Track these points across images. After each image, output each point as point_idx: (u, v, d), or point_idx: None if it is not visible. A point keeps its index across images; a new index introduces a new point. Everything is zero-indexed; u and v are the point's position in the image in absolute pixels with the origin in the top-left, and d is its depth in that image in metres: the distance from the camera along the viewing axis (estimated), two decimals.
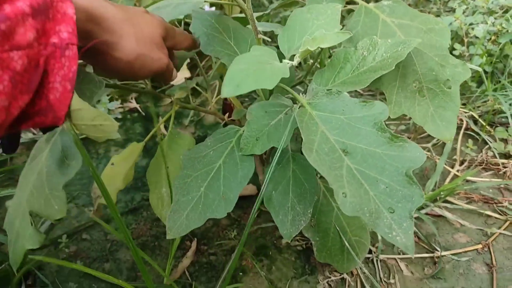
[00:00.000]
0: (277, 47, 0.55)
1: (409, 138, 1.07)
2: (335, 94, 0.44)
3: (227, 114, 0.83)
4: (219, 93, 0.88)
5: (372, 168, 0.34)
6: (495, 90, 1.10)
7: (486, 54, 1.13)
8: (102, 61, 0.40)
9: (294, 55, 0.51)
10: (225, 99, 0.94)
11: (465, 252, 0.74)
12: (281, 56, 0.51)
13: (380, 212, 0.31)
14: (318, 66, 1.37)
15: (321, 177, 0.89)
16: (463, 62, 0.51)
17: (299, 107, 0.46)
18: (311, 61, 0.82)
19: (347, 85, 0.49)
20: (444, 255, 0.73)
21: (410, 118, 1.12)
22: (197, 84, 0.85)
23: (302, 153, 0.54)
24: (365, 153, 0.35)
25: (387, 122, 1.03)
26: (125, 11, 0.42)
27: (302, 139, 0.79)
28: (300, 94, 0.49)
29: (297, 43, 0.53)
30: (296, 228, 0.48)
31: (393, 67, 0.45)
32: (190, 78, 1.08)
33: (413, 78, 0.52)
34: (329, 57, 1.03)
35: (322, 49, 0.68)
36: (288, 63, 0.49)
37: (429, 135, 1.07)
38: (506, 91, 1.07)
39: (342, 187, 0.32)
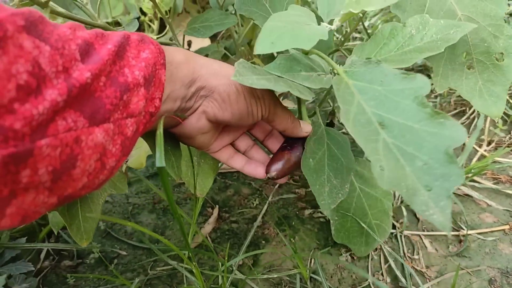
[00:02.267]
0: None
1: None
2: (374, 64, 0.41)
3: None
4: (249, 58, 0.86)
5: (410, 144, 0.32)
6: None
7: None
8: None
9: (333, 20, 0.48)
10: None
11: (491, 232, 0.73)
12: (319, 20, 0.48)
13: (417, 189, 0.29)
14: (356, 36, 1.32)
15: None
16: None
17: (335, 74, 0.43)
18: (348, 29, 0.79)
19: (389, 63, 0.45)
20: (470, 234, 0.72)
21: (436, 96, 1.09)
22: (225, 48, 0.83)
23: (333, 127, 0.52)
24: (403, 128, 0.33)
25: None
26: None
27: (330, 116, 0.76)
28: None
29: (338, 7, 0.50)
30: (333, 200, 0.47)
31: (442, 50, 0.42)
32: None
33: (463, 49, 0.49)
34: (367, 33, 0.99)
35: (361, 17, 0.66)
36: (327, 27, 0.46)
37: (456, 113, 1.05)
38: None
39: (379, 160, 0.30)
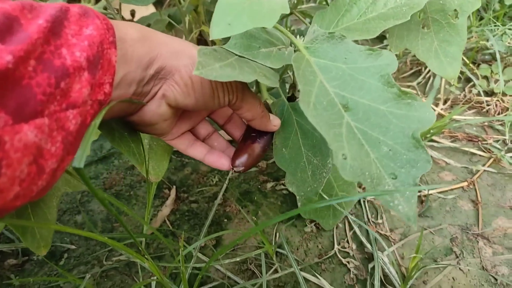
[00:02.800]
0: None
1: None
2: (338, 39, 0.37)
3: None
4: (197, 26, 0.79)
5: (375, 128, 0.30)
6: (479, 26, 1.06)
7: None
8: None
9: None
10: (200, 34, 0.85)
11: (451, 190, 0.73)
12: None
13: (381, 177, 0.27)
14: None
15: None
16: None
17: (295, 51, 0.39)
18: None
19: (352, 32, 0.42)
20: (431, 194, 0.72)
21: None
22: (169, 16, 0.76)
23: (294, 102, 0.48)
24: (368, 109, 0.31)
25: None
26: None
27: (291, 89, 0.72)
28: (296, 37, 0.42)
29: None
30: (319, 182, 0.43)
31: (408, 18, 0.39)
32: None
33: None
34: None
35: None
36: None
37: (412, 74, 1.04)
38: (490, 26, 1.04)
39: (341, 148, 0.27)
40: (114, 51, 0.28)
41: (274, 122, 0.42)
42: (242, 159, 0.41)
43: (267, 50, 0.40)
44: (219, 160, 0.43)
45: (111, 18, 0.48)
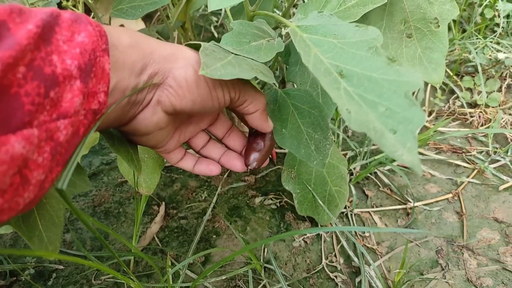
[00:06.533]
0: None
1: None
2: (327, 17, 0.40)
3: None
4: (181, 42, 0.80)
5: (370, 92, 0.32)
6: (461, 38, 1.09)
7: None
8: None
9: None
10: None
11: (436, 202, 0.75)
12: None
13: (383, 131, 0.30)
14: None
15: None
16: None
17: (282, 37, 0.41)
18: None
19: None
20: (417, 206, 0.73)
21: None
22: (157, 32, 0.77)
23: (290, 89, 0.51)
24: (361, 77, 0.33)
25: None
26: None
27: (282, 84, 0.74)
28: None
29: None
30: (324, 154, 0.45)
31: (385, 0, 0.43)
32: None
33: (401, 17, 0.49)
34: None
35: None
36: None
37: None
38: (472, 39, 1.06)
39: (344, 104, 0.30)
40: (108, 58, 0.27)
41: (269, 122, 0.43)
42: (254, 155, 0.44)
43: (257, 43, 0.43)
44: (207, 167, 0.44)
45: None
